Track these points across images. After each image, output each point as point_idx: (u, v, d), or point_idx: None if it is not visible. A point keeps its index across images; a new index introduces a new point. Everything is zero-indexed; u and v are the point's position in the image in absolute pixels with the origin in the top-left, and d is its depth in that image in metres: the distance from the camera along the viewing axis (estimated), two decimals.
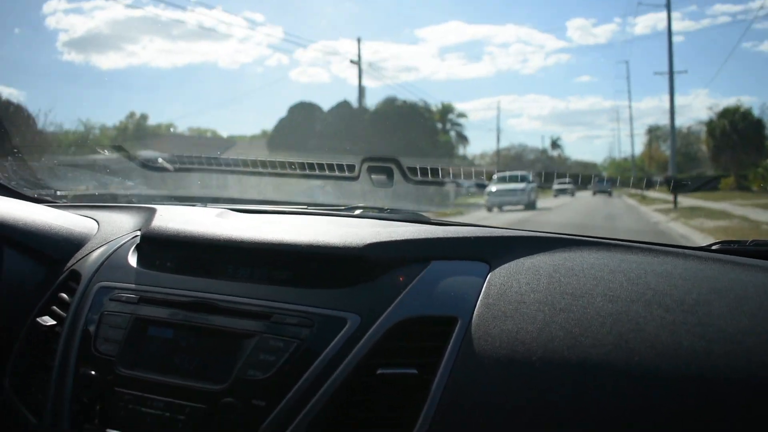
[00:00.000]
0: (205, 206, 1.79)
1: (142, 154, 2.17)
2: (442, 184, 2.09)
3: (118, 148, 2.30)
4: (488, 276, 1.19)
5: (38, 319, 1.38)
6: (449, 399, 1.02)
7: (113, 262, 1.44)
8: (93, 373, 1.24)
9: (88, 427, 1.21)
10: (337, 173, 1.76)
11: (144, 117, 35.82)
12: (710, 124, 31.11)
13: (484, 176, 2.50)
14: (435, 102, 42.18)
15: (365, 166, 1.71)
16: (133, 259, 1.43)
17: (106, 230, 1.62)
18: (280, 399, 1.08)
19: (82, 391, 1.24)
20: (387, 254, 1.24)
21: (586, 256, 1.23)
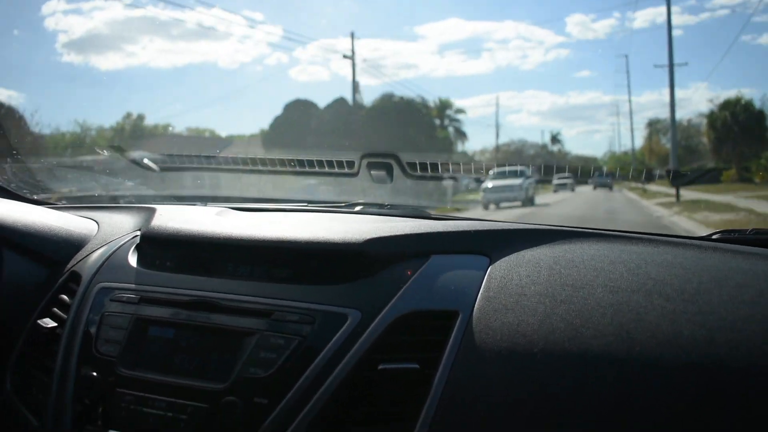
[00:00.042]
0: (205, 205, 1.80)
1: (131, 155, 2.19)
2: (441, 179, 2.11)
3: (111, 149, 2.32)
4: (489, 269, 1.20)
5: (39, 321, 1.39)
6: (451, 393, 1.03)
7: (113, 262, 1.45)
8: (94, 374, 1.25)
9: (89, 429, 1.22)
10: (336, 170, 1.78)
11: (141, 117, 35.85)
12: (711, 116, 31.05)
13: (484, 171, 2.52)
14: (434, 98, 42.15)
15: (365, 162, 1.72)
16: (133, 259, 1.43)
17: (106, 231, 1.63)
18: (281, 397, 1.09)
19: (83, 392, 1.25)
20: (387, 249, 1.25)
21: (586, 247, 1.24)
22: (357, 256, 1.24)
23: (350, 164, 1.75)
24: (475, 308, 1.11)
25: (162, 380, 1.20)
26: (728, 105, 30.02)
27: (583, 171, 2.29)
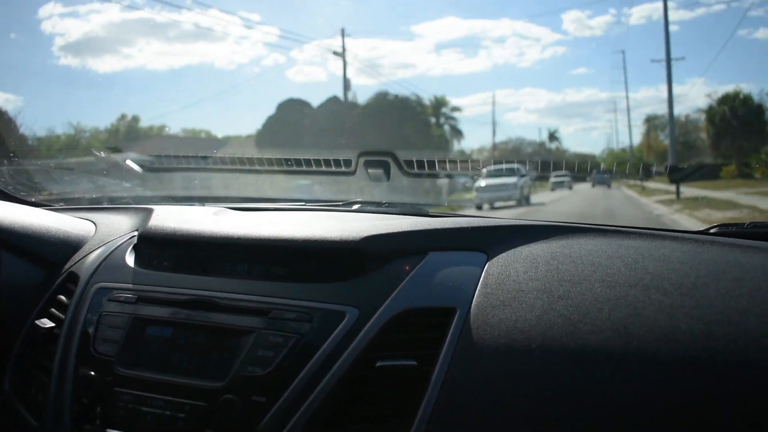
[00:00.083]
0: (203, 205, 1.82)
1: (116, 157, 2.22)
2: (438, 177, 2.13)
3: (97, 150, 2.34)
4: (486, 266, 1.21)
5: (37, 322, 1.41)
6: (449, 390, 1.04)
7: (111, 262, 1.46)
8: (92, 373, 1.26)
9: (88, 428, 1.23)
10: (334, 168, 1.80)
11: (136, 119, 35.87)
12: (710, 111, 31.01)
13: (481, 169, 2.55)
14: (431, 97, 42.21)
15: (362, 160, 1.74)
16: (130, 260, 1.45)
17: (104, 232, 1.65)
18: (279, 395, 1.10)
19: (82, 392, 1.26)
20: (384, 247, 1.26)
21: (583, 243, 1.25)
22: (354, 254, 1.25)
23: (347, 163, 1.78)
24: (472, 305, 1.12)
25: (160, 379, 1.21)
26: (727, 99, 30.00)
27: (581, 168, 2.30)
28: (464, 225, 1.35)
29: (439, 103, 42.13)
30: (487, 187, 18.03)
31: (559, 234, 1.30)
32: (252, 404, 1.12)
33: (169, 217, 1.52)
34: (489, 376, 1.03)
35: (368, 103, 35.61)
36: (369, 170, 1.74)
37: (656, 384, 0.94)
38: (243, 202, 1.87)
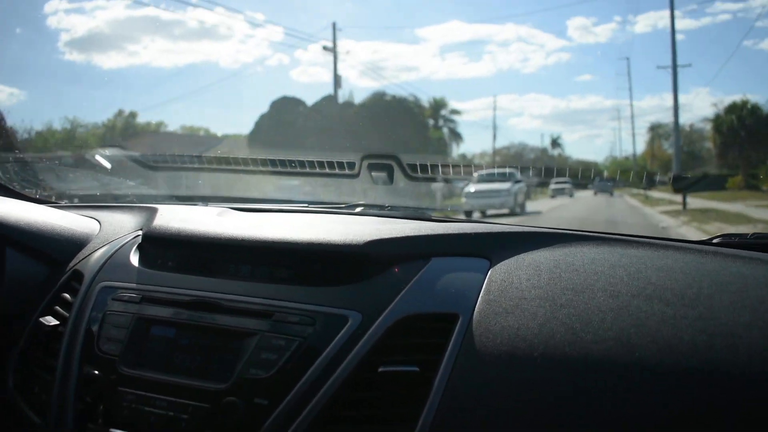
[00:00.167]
0: (207, 205, 1.85)
1: (104, 152, 2.26)
2: (447, 181, 2.19)
3: (101, 147, 2.40)
4: (489, 272, 1.24)
5: (41, 320, 1.44)
6: (451, 396, 1.06)
7: (115, 261, 1.49)
8: (96, 372, 1.29)
9: (91, 427, 1.26)
10: (337, 171, 1.84)
11: (133, 114, 35.86)
12: (717, 120, 30.98)
13: (474, 173, 2.59)
14: (430, 99, 42.32)
15: (365, 163, 1.78)
16: (135, 259, 1.48)
17: (108, 230, 1.69)
18: (282, 398, 1.13)
19: (85, 391, 1.29)
20: (388, 251, 1.29)
21: (586, 251, 1.28)
22: (358, 257, 1.28)
23: (351, 165, 1.82)
24: (475, 311, 1.15)
25: (163, 380, 1.24)
26: (734, 108, 29.99)
27: (583, 175, 2.34)
28: (467, 230, 1.38)
29: (438, 105, 42.24)
30: (477, 193, 17.09)
31: (562, 241, 1.33)
32: (254, 407, 1.15)
33: (174, 217, 1.55)
34: (491, 384, 1.05)
35: (364, 102, 35.65)
36: (372, 173, 1.78)
37: (658, 395, 0.96)
38: (246, 203, 1.90)
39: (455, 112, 44.01)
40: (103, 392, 1.27)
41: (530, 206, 20.09)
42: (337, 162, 1.84)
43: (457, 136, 43.74)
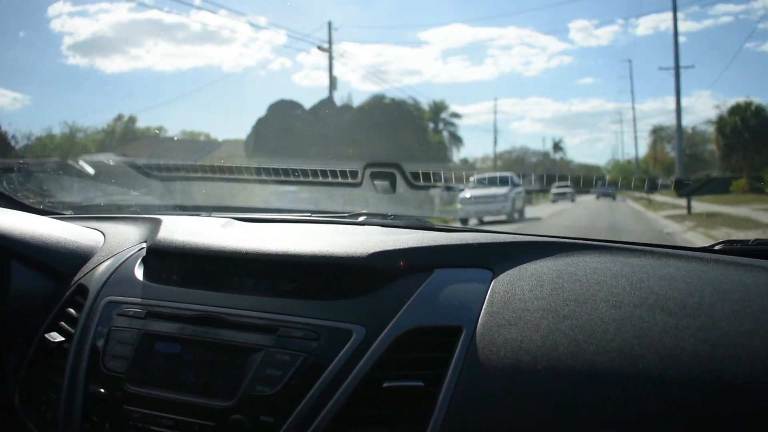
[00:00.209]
0: (210, 215, 1.87)
1: (96, 158, 2.29)
2: (448, 189, 2.22)
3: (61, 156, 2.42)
4: (492, 283, 1.26)
5: (46, 336, 1.45)
6: (456, 411, 1.08)
7: (120, 275, 1.51)
8: (102, 390, 1.30)
9: None
10: (340, 180, 1.87)
11: (132, 119, 35.96)
12: (720, 122, 30.91)
13: (470, 178, 2.62)
14: (430, 102, 42.37)
15: (368, 172, 1.81)
16: (139, 272, 1.50)
17: (113, 242, 1.71)
18: (287, 415, 1.14)
19: (91, 409, 1.30)
20: (391, 263, 1.31)
21: (588, 260, 1.30)
22: (361, 270, 1.30)
23: (354, 174, 1.85)
24: (478, 324, 1.16)
25: (169, 398, 1.26)
26: (738, 110, 29.90)
27: (585, 181, 2.36)
28: (470, 241, 1.40)
29: (438, 108, 42.25)
30: (473, 199, 16.36)
31: (564, 251, 1.35)
32: (260, 425, 1.16)
33: (178, 229, 1.57)
34: (495, 397, 1.07)
35: (363, 105, 35.67)
36: (375, 182, 1.81)
37: (661, 406, 0.97)
38: (249, 212, 1.92)
39: (455, 115, 44.09)
40: (109, 411, 1.28)
41: (530, 212, 19.45)
42: (340, 171, 1.86)
43: (457, 139, 43.80)
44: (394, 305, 1.22)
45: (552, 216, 18.83)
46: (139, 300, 1.41)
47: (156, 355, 1.32)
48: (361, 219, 1.78)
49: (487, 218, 16.87)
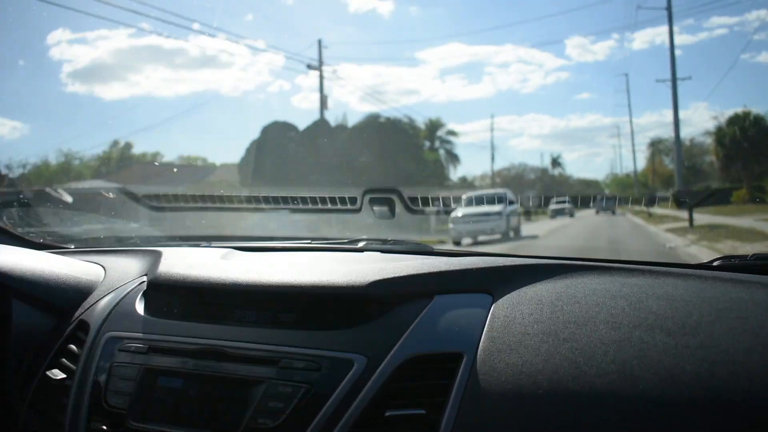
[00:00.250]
0: (210, 245, 1.89)
1: (88, 186, 2.33)
2: (446, 213, 2.26)
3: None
4: (492, 308, 1.28)
5: (48, 373, 1.46)
6: None
7: (121, 310, 1.53)
8: (104, 427, 1.32)
9: None
10: (339, 206, 1.90)
11: (129, 145, 36.04)
12: (719, 132, 31.03)
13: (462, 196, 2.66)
14: (426, 120, 42.48)
15: (367, 197, 1.84)
16: (140, 307, 1.51)
17: (113, 276, 1.72)
18: None
19: None
20: (391, 291, 1.33)
21: (587, 281, 1.32)
22: (361, 299, 1.32)
23: (353, 200, 1.88)
24: (479, 349, 1.18)
25: None
26: (737, 120, 29.94)
27: (583, 199, 2.40)
28: (469, 266, 1.42)
29: (434, 126, 42.31)
30: (466, 218, 15.35)
31: (563, 272, 1.37)
32: None
33: (178, 262, 1.58)
34: (497, 423, 1.09)
35: (357, 125, 35.75)
36: (374, 208, 1.84)
37: (662, 426, 0.99)
38: (249, 241, 1.94)
39: (452, 133, 44.11)
40: None
41: (527, 229, 18.83)
42: (339, 197, 1.89)
43: (454, 157, 43.80)
44: (395, 333, 1.24)
45: (550, 233, 18.35)
46: (140, 335, 1.43)
47: (158, 390, 1.33)
48: (360, 245, 1.80)
49: (481, 237, 16.25)
